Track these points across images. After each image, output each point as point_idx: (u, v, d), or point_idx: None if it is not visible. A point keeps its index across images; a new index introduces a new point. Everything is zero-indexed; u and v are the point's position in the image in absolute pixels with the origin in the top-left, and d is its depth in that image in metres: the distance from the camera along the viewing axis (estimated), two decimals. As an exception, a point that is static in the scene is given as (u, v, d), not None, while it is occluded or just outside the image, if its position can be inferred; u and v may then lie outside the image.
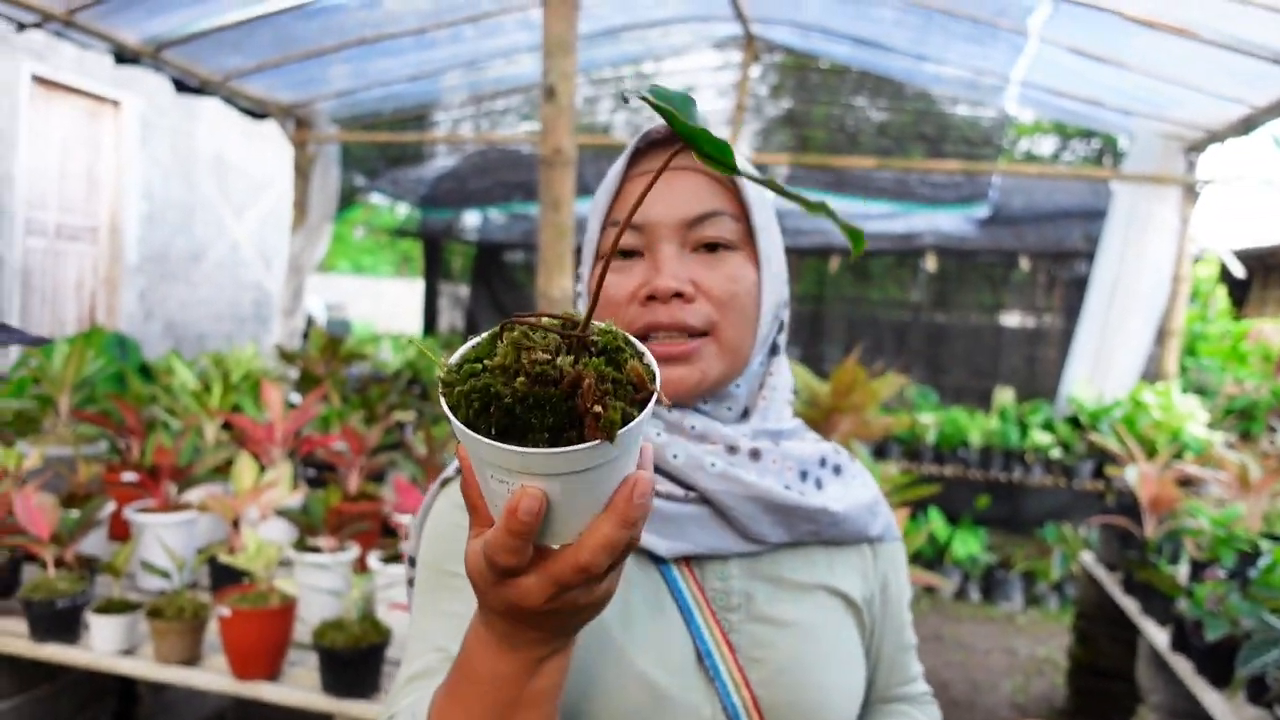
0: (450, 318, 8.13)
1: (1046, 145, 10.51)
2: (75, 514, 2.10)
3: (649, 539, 0.74)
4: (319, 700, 1.76)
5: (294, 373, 4.27)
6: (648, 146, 0.78)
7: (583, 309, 0.82)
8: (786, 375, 0.84)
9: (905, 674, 0.89)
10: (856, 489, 0.83)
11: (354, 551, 2.16)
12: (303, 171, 5.99)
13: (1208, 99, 4.14)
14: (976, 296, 7.25)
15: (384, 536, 2.47)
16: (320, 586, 2.02)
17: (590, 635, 0.74)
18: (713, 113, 6.79)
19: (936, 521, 5.27)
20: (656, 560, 0.76)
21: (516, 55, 5.56)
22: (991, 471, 5.19)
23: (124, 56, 4.64)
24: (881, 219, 6.45)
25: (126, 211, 7.24)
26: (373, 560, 2.07)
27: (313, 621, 1.96)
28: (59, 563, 2.02)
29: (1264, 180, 5.06)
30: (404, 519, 2.19)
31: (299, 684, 1.81)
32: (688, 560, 0.76)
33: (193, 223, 8.07)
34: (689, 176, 0.76)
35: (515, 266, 8.06)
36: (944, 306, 7.20)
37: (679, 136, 0.72)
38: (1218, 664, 2.11)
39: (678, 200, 0.75)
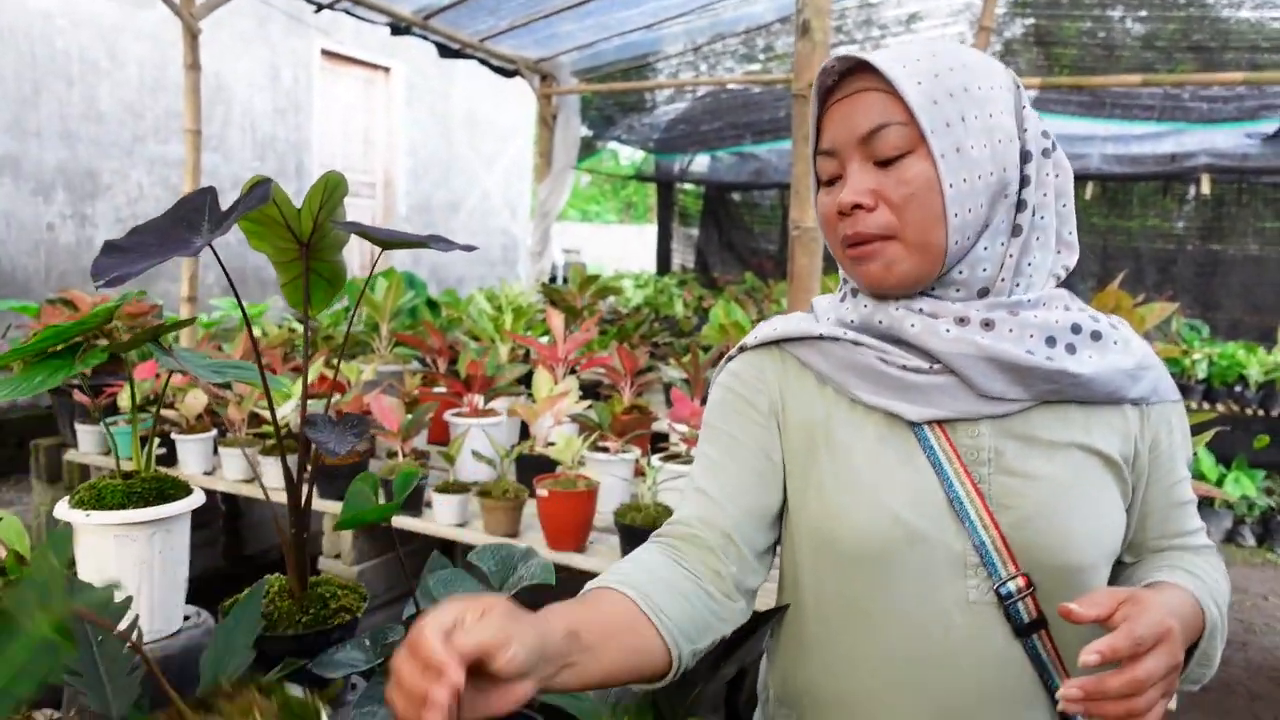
0: (682, 257, 8.42)
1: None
2: (409, 415, 2.52)
3: (899, 405, 0.86)
4: (619, 572, 2.05)
5: (544, 303, 4.69)
6: (837, 79, 0.87)
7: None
8: (1039, 254, 0.87)
9: (1180, 527, 0.93)
10: (1114, 355, 0.86)
11: (635, 453, 2.43)
12: (546, 123, 6.39)
13: None
14: (1257, 223, 6.50)
15: (656, 447, 2.74)
16: (610, 479, 2.31)
17: (842, 479, 0.87)
18: (944, 38, 6.49)
19: (1206, 462, 4.91)
20: (910, 424, 0.87)
21: (751, -7, 5.61)
22: (1274, 411, 4.75)
23: (398, 27, 5.19)
24: (1145, 140, 5.93)
25: (397, 167, 8.08)
26: (654, 459, 2.33)
27: (604, 510, 2.25)
28: (402, 453, 2.45)
29: None
30: (680, 426, 2.43)
31: (602, 556, 2.11)
32: (940, 423, 0.87)
33: (450, 176, 8.85)
34: (861, 97, 0.84)
35: (743, 206, 8.18)
36: (1218, 235, 6.52)
37: (856, 63, 0.85)
38: None
39: (853, 121, 0.84)
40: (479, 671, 0.59)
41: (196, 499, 1.28)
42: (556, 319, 2.87)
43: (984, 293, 0.87)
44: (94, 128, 5.82)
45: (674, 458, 2.34)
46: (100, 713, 0.86)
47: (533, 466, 2.38)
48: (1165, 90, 5.75)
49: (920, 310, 0.86)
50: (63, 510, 1.22)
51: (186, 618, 1.32)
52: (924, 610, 0.85)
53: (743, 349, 0.97)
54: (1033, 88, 5.86)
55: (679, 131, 7.50)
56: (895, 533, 0.84)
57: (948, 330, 0.84)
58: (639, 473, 2.42)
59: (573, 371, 2.94)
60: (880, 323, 0.87)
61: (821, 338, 0.90)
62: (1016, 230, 0.86)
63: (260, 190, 0.95)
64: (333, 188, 1.09)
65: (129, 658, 0.91)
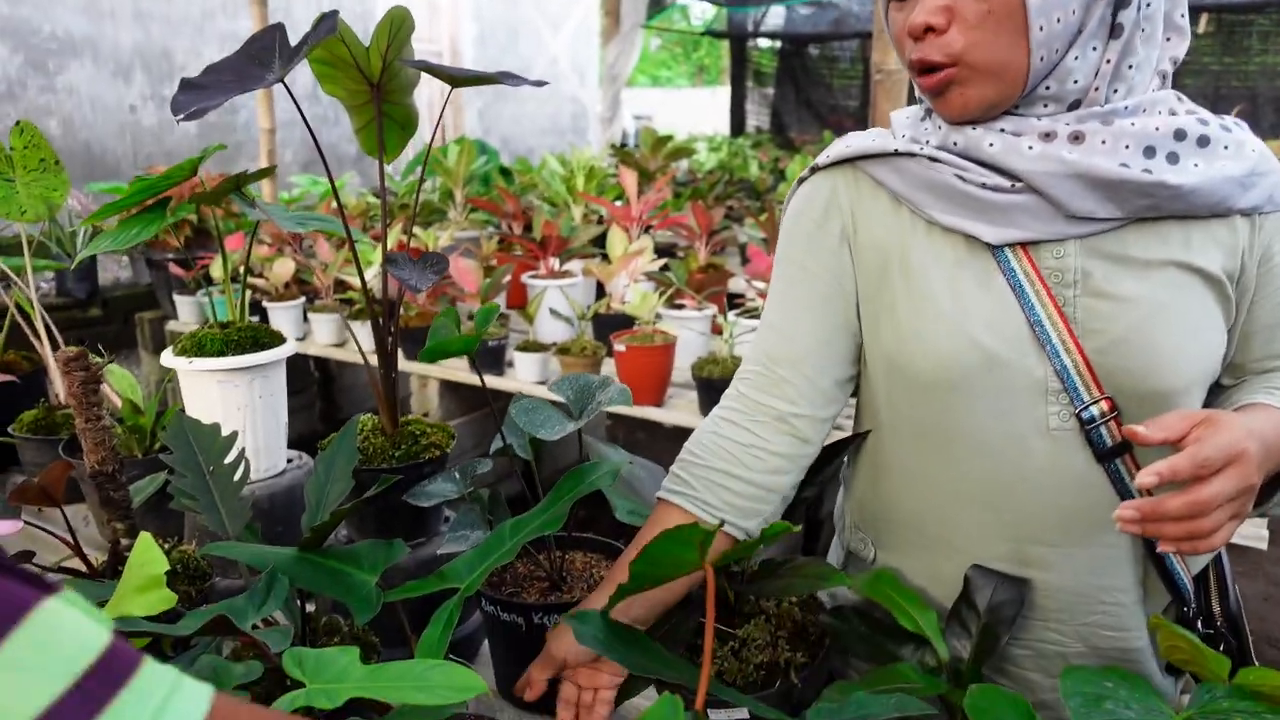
0: (757, 118, 8.13)
1: None
2: (488, 279, 2.55)
3: (977, 227, 0.81)
4: (697, 420, 2.08)
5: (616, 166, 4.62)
6: None
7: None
8: (1143, 50, 0.79)
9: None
10: (1224, 161, 0.79)
11: (712, 309, 2.43)
12: (614, -20, 6.13)
13: None
14: None
15: (731, 301, 2.73)
16: (687, 335, 2.32)
17: (916, 304, 0.84)
18: None
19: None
20: (989, 247, 0.83)
21: None
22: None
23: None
24: None
25: (462, 34, 7.91)
26: (730, 315, 2.32)
27: (681, 365, 2.27)
28: (481, 315, 2.50)
29: None
30: (757, 283, 2.40)
31: (680, 410, 2.14)
32: (1022, 245, 0.82)
33: (516, 41, 8.63)
34: None
35: (820, 60, 7.78)
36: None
37: None
38: None
39: None
40: None
41: (289, 347, 1.33)
42: (629, 178, 2.82)
43: (1075, 105, 0.80)
44: (164, 6, 5.83)
45: (751, 313, 2.32)
46: (217, 533, 0.93)
47: (610, 324, 2.40)
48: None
49: (1001, 130, 0.80)
50: (168, 358, 1.28)
51: (289, 460, 1.40)
52: (1001, 436, 0.83)
53: (815, 169, 0.92)
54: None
55: (753, -19, 7.10)
56: (971, 358, 0.82)
57: (1030, 147, 0.78)
58: (716, 330, 2.42)
59: (646, 231, 2.91)
60: (955, 144, 0.82)
61: (897, 154, 0.85)
62: (1116, 31, 0.78)
63: (327, 22, 0.94)
64: (399, 24, 1.07)
65: (239, 485, 0.97)
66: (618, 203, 3.46)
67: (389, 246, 2.62)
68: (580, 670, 0.89)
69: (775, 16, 7.65)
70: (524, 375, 2.35)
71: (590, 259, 3.01)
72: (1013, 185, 0.80)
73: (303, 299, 2.86)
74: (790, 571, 0.86)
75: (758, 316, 2.32)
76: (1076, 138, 0.78)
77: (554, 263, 2.79)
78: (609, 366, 2.27)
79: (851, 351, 0.93)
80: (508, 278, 2.72)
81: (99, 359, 1.45)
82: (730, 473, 0.90)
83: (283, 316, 2.83)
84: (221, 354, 1.25)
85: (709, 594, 0.66)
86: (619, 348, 2.10)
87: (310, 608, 0.95)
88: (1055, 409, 0.81)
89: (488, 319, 0.98)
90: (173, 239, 3.19)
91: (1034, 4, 0.75)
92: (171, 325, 3.17)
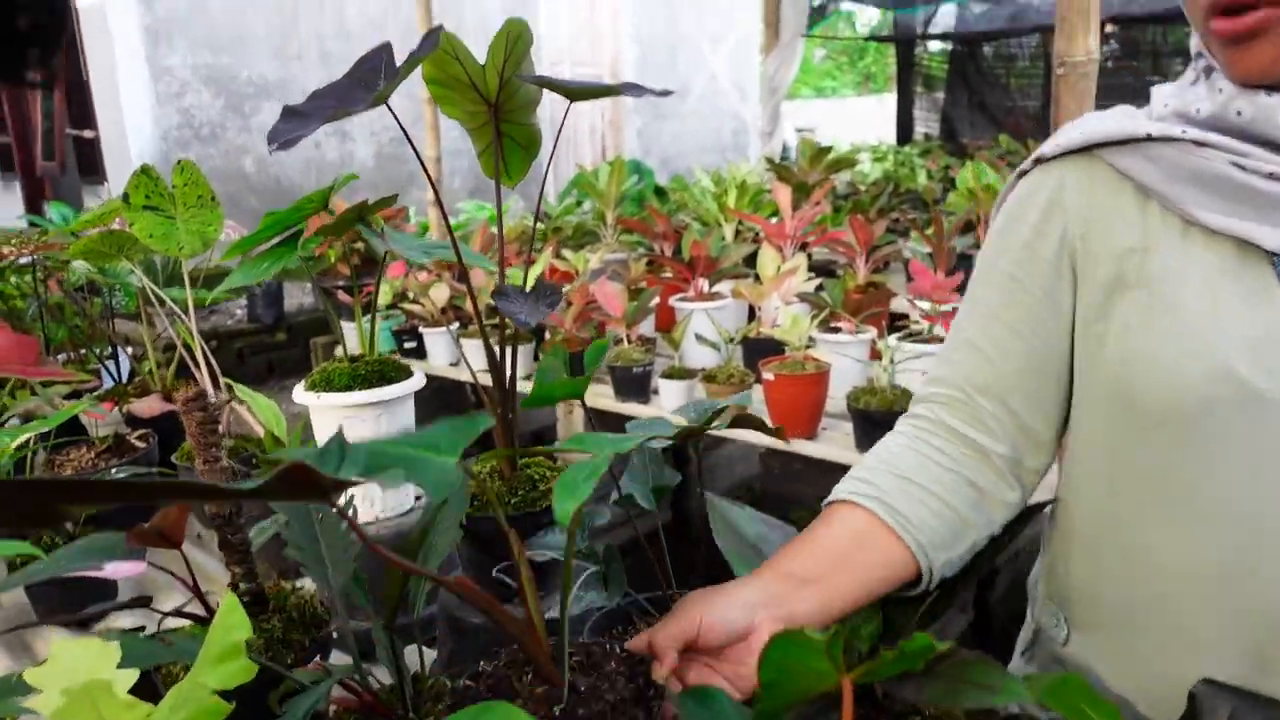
0: (925, 125, 7.74)
1: None
2: (634, 302, 2.48)
3: (1256, 229, 0.63)
4: (854, 457, 1.91)
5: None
6: None
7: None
8: None
9: None
10: None
11: (871, 333, 2.24)
12: (773, -9, 6.00)
13: None
14: None
15: (893, 323, 2.52)
16: (843, 361, 2.15)
17: (1155, 317, 0.67)
18: None
19: None
20: (1270, 256, 0.64)
21: None
22: None
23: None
24: None
25: (623, 56, 8.00)
26: (890, 339, 2.13)
27: (837, 394, 2.10)
28: (627, 339, 2.43)
29: None
30: (921, 303, 2.20)
31: (834, 444, 1.98)
32: None
33: (676, 60, 8.64)
34: None
35: (996, 60, 7.31)
36: None
37: None
38: None
39: None
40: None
41: (416, 382, 1.29)
42: (783, 193, 2.68)
43: None
44: (344, 46, 6.22)
45: (914, 336, 2.12)
46: (321, 585, 0.88)
47: (759, 349, 2.26)
48: None
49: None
50: (299, 393, 1.28)
51: (418, 498, 1.36)
52: (1254, 498, 0.64)
53: (1039, 160, 0.76)
54: None
55: (920, -19, 6.77)
56: (1222, 388, 0.63)
57: None
58: (875, 355, 2.23)
59: (802, 248, 2.75)
60: (1239, 114, 0.64)
61: (1150, 139, 0.68)
62: None
63: (430, 38, 0.88)
64: (515, 38, 1.00)
65: (347, 534, 0.92)
66: (771, 219, 3.32)
67: (541, 270, 2.56)
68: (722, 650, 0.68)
69: (946, 16, 7.25)
70: (669, 403, 2.25)
71: (742, 279, 2.89)
72: None
73: (456, 324, 2.90)
74: (952, 672, 0.70)
75: (922, 340, 2.11)
76: None
77: (703, 284, 2.68)
78: (758, 394, 2.13)
79: (1064, 388, 0.76)
80: (655, 300, 2.64)
81: (223, 396, 1.47)
82: (928, 489, 0.74)
83: (438, 341, 2.87)
84: (348, 388, 1.23)
85: (845, 712, 0.53)
86: (767, 376, 1.97)
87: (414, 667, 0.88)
88: None
89: (597, 358, 0.88)
90: (344, 266, 3.34)
91: None
92: (339, 351, 3.31)
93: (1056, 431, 0.78)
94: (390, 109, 0.93)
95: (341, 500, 0.95)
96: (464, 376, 2.88)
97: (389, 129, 6.49)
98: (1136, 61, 6.65)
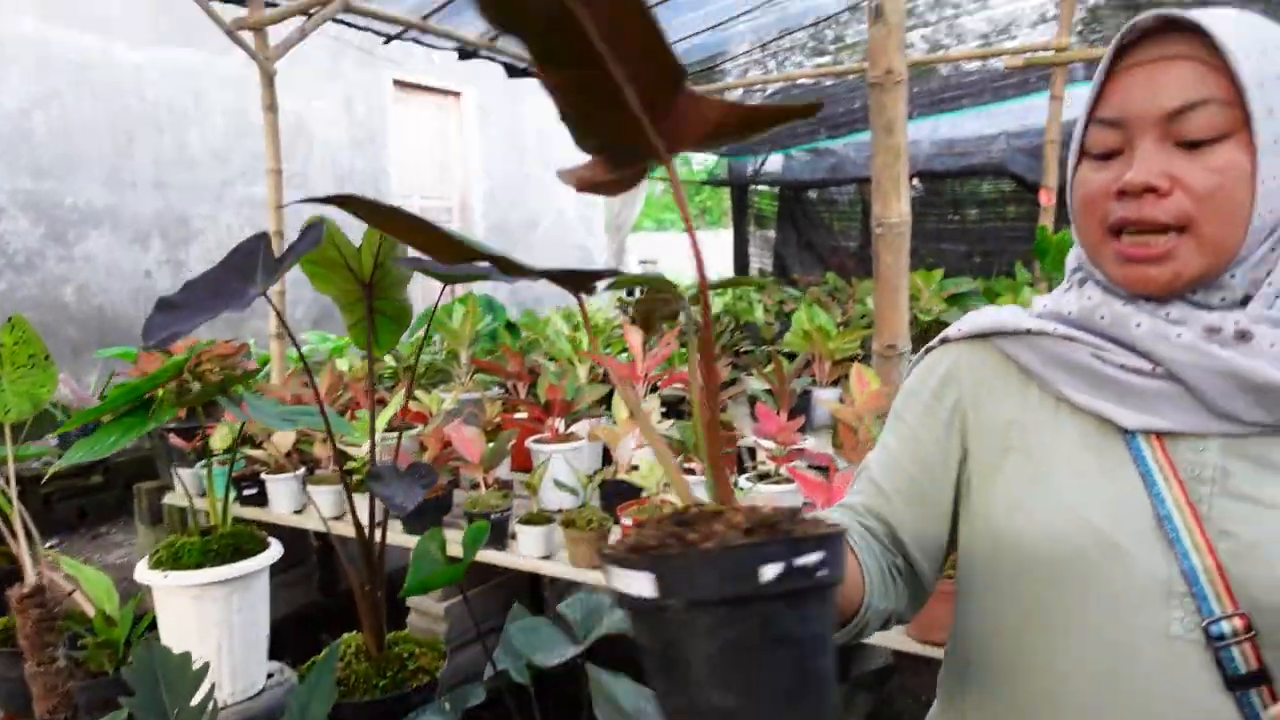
0: (760, 260, 8.28)
1: None
2: (491, 445, 2.48)
3: (1113, 409, 0.76)
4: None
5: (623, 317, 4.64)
6: (1138, 38, 0.75)
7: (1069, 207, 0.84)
8: None
9: None
10: None
11: (722, 473, 2.34)
12: (618, 134, 6.35)
13: None
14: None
15: (740, 464, 2.64)
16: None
17: (1032, 481, 0.79)
18: (1021, 9, 6.20)
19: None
20: (1122, 431, 0.77)
21: (816, -14, 5.47)
22: None
23: (465, 51, 5.23)
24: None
25: (472, 190, 8.18)
26: (742, 480, 2.23)
27: (694, 535, 2.16)
28: (484, 483, 2.41)
29: None
30: (766, 444, 2.33)
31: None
32: (1159, 435, 0.76)
33: (525, 195, 8.91)
34: (1173, 65, 0.72)
35: (819, 204, 7.99)
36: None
37: (1170, 24, 0.72)
38: None
39: (1159, 92, 0.72)
40: None
41: (273, 554, 1.25)
42: (634, 336, 2.80)
43: (1245, 300, 0.75)
44: (185, 174, 6.05)
45: (764, 477, 2.24)
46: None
47: (617, 492, 2.31)
48: None
49: (1167, 316, 0.75)
50: (142, 572, 1.20)
51: (270, 675, 1.29)
52: (1112, 637, 0.74)
53: (944, 340, 0.91)
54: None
55: (750, 133, 7.38)
56: (1085, 540, 0.75)
57: (1179, 335, 0.74)
58: (728, 492, 2.33)
59: (654, 389, 2.86)
60: (1103, 318, 0.78)
61: (1029, 332, 0.83)
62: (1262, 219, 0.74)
63: (313, 234, 0.91)
64: (388, 227, 1.04)
65: (202, 736, 0.87)
66: (624, 358, 3.43)
67: (393, 412, 2.52)
68: None
69: (774, 163, 7.91)
70: (527, 550, 2.24)
71: (598, 419, 2.95)
72: (1154, 370, 0.75)
73: (303, 469, 2.79)
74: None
75: (773, 481, 2.23)
76: (1243, 336, 0.73)
77: (559, 424, 2.73)
78: (616, 537, 2.16)
79: (946, 532, 0.89)
80: (512, 443, 2.65)
81: (58, 585, 1.36)
82: (869, 543, 0.85)
83: (282, 488, 2.75)
84: (199, 565, 1.17)
85: None
86: (625, 521, 2.01)
87: None
88: (1178, 614, 0.72)
89: (477, 541, 0.90)
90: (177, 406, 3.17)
91: (1262, 191, 0.71)
92: (169, 499, 3.09)
93: (934, 570, 0.90)
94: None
95: (199, 697, 0.90)
96: (309, 524, 2.76)
97: (228, 257, 6.30)
98: (938, 209, 7.43)
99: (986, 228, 7.19)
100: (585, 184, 0.51)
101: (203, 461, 2.91)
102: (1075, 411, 0.80)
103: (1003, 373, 0.85)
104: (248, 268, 0.89)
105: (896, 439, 0.91)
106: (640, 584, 0.46)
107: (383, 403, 3.17)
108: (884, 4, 2.57)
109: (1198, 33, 0.72)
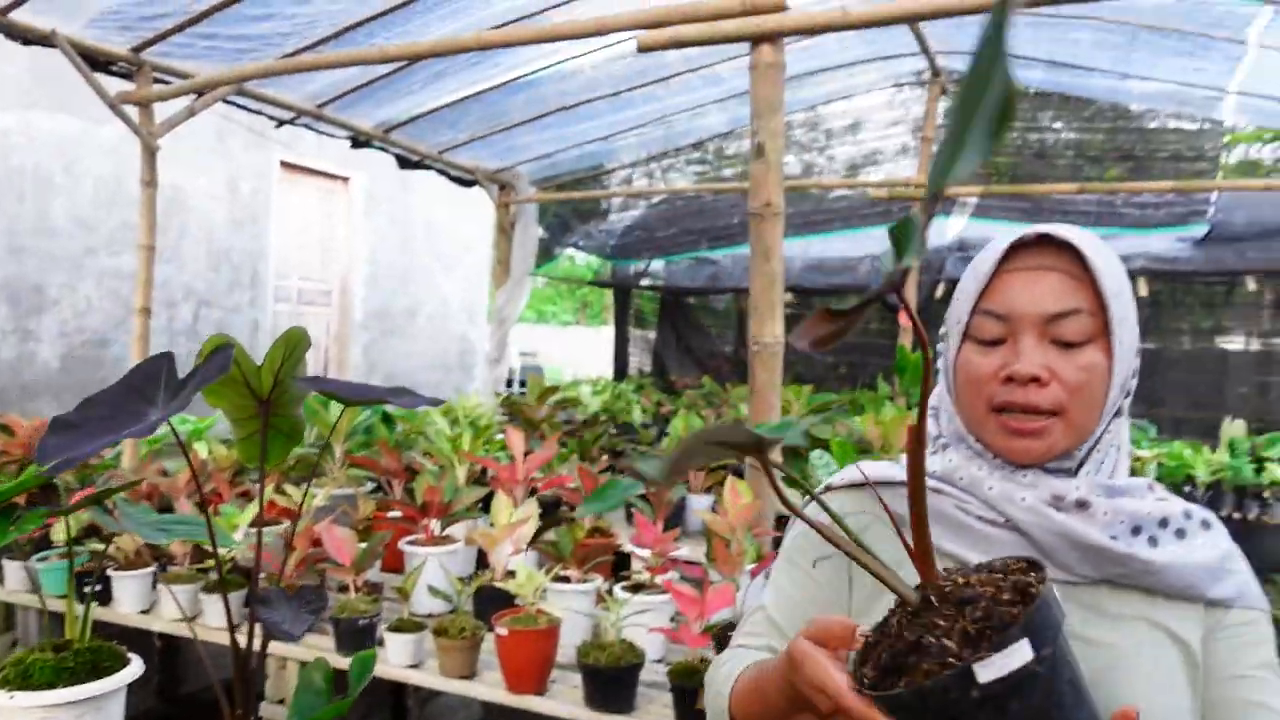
0: (639, 360, 8.46)
1: (1268, 154, 9.65)
2: (363, 546, 2.43)
3: (971, 555, 0.87)
4: (583, 714, 1.95)
5: (502, 414, 4.65)
6: (1020, 246, 0.90)
7: (943, 375, 0.97)
8: (1125, 434, 0.93)
9: None
10: (1197, 549, 0.88)
11: (597, 581, 2.36)
12: (505, 231, 6.46)
13: None
14: (1194, 321, 6.77)
15: (619, 569, 2.67)
16: (573, 612, 2.23)
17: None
18: (886, 142, 6.78)
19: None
20: None
21: (704, 108, 5.82)
22: (1222, 510, 4.81)
23: (358, 141, 5.27)
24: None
25: (354, 275, 8.08)
26: (617, 590, 2.26)
27: (565, 645, 2.16)
28: (354, 587, 2.35)
29: None
30: (642, 552, 2.37)
31: (563, 699, 2.01)
32: None
33: (408, 282, 8.87)
34: (1051, 275, 0.88)
35: (699, 310, 8.30)
36: (1157, 335, 6.76)
37: (1047, 238, 0.89)
38: None
39: (1041, 297, 0.87)
40: None
41: (134, 670, 1.19)
42: (516, 439, 2.82)
43: (1079, 467, 0.90)
44: (45, 242, 5.75)
45: (639, 588, 2.27)
46: None
47: (492, 599, 2.29)
48: (1100, 197, 6.03)
49: (1022, 479, 0.89)
50: (-18, 690, 1.12)
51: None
52: None
53: (829, 488, 1.02)
54: (973, 195, 6.13)
55: (635, 238, 7.64)
56: None
57: (1023, 499, 0.87)
58: (601, 598, 2.35)
59: (533, 492, 2.87)
60: (961, 479, 0.92)
61: (902, 484, 0.93)
62: (1119, 411, 0.91)
63: (219, 359, 0.92)
64: (294, 344, 1.06)
65: None
66: (501, 455, 3.44)
67: (259, 509, 2.44)
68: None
69: (656, 268, 8.20)
70: (395, 658, 2.18)
71: (476, 521, 2.93)
72: (1005, 522, 0.88)
73: (155, 566, 2.63)
74: None
75: (648, 592, 2.26)
76: (1081, 505, 0.87)
77: (435, 526, 2.69)
78: (490, 645, 2.14)
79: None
80: (385, 544, 2.60)
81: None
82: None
83: (129, 587, 2.57)
84: (52, 684, 1.10)
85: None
86: (500, 631, 1.99)
87: None
88: None
89: (364, 672, 0.90)
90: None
91: (1114, 385, 0.88)
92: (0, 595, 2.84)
93: None
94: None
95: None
96: (156, 626, 2.59)
97: (84, 330, 5.95)
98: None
99: (852, 341, 7.63)
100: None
101: (40, 554, 2.71)
102: (942, 556, 0.90)
103: (878, 520, 0.97)
104: (149, 390, 0.89)
105: (791, 581, 1.00)
106: (1020, 653, 0.57)
107: (246, 496, 3.05)
108: (765, 143, 2.79)
109: (1067, 247, 0.88)
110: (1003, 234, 0.94)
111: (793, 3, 2.70)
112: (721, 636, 1.96)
